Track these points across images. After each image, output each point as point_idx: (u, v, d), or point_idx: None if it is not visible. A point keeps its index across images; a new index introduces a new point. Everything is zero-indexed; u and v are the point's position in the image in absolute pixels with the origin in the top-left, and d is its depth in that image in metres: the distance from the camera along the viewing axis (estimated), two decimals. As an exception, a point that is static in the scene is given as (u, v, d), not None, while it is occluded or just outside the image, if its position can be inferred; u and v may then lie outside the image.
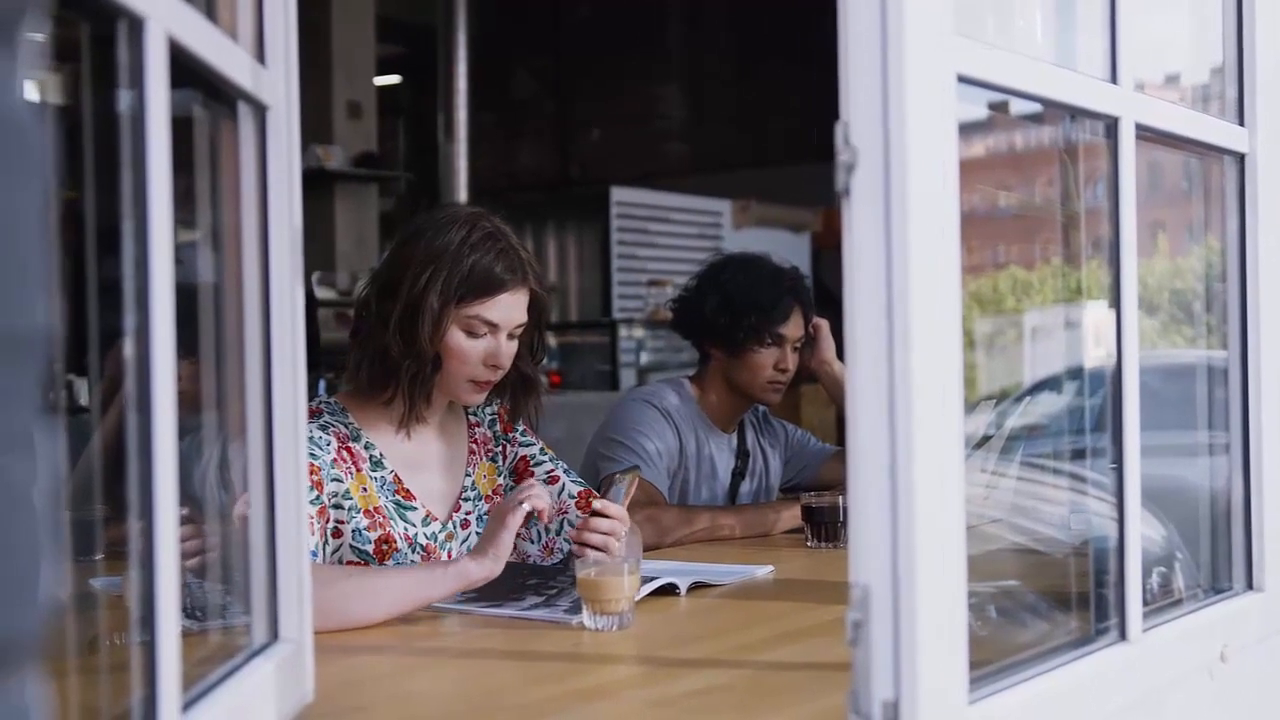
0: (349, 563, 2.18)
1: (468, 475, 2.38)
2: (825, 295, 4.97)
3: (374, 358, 2.23)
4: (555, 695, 1.60)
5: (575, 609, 1.95)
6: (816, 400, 6.27)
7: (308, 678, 1.43)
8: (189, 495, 1.16)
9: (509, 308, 2.23)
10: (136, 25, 0.99)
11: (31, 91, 0.61)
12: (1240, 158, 1.82)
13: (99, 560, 1.73)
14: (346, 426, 2.26)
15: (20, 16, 0.59)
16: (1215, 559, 1.87)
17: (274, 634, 1.38)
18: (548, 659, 1.77)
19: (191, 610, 1.33)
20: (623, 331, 7.47)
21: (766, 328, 3.00)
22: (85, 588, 1.67)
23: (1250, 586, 1.82)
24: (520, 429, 2.45)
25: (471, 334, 2.22)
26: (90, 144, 1.11)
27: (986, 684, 1.29)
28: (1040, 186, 1.98)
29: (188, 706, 1.09)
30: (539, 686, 1.64)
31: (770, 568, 2.41)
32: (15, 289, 0.56)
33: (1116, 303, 1.54)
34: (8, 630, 0.55)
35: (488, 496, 2.39)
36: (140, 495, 1.01)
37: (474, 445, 2.41)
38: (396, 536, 2.22)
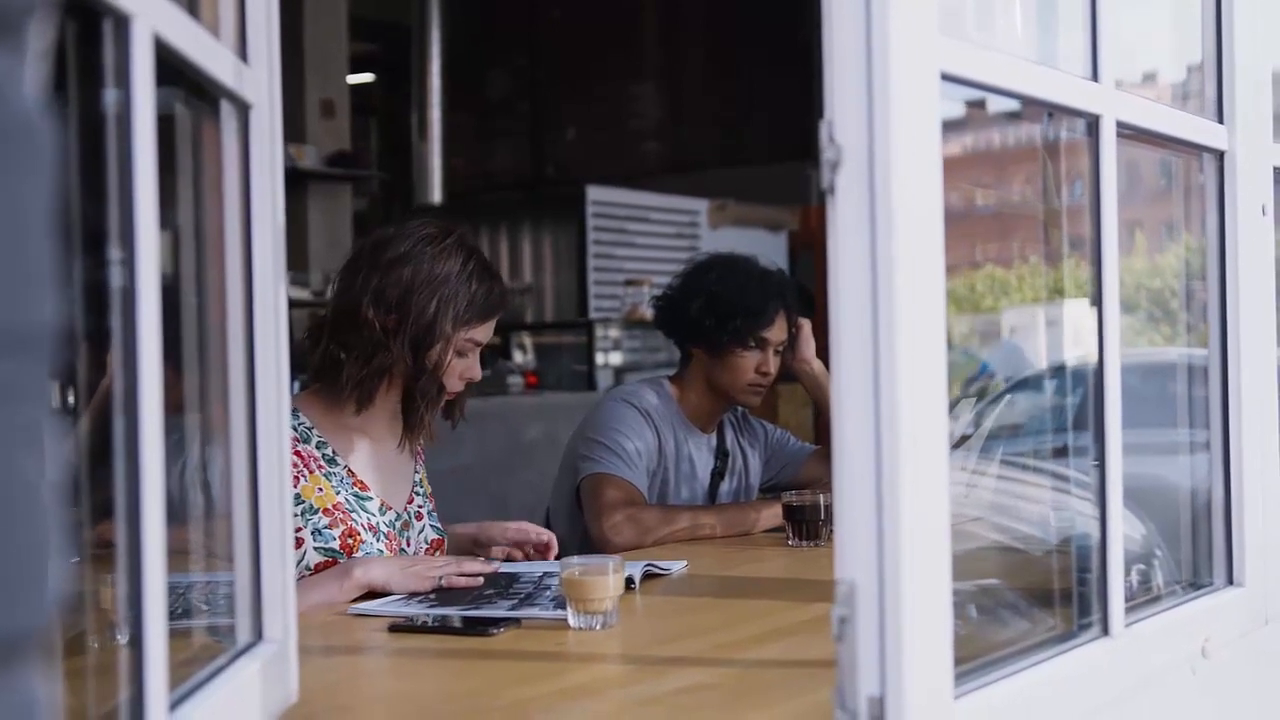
0: (316, 566, 2.19)
1: (416, 472, 2.46)
2: (802, 294, 4.98)
3: (379, 373, 2.26)
4: (541, 694, 1.59)
5: (560, 604, 1.94)
6: (793, 399, 6.28)
7: (292, 678, 1.43)
8: (169, 496, 1.16)
9: (492, 328, 2.35)
10: (123, 23, 0.99)
11: (37, 90, 0.61)
12: (1219, 155, 1.83)
13: (75, 563, 1.72)
14: (295, 429, 2.26)
15: (27, 16, 0.59)
16: (1196, 555, 1.88)
17: (258, 634, 1.38)
18: (532, 658, 1.77)
19: (172, 610, 1.33)
20: (599, 331, 7.44)
21: (751, 331, 2.99)
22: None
23: (1230, 582, 1.83)
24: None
25: (461, 355, 2.31)
26: (73, 142, 1.10)
27: (972, 679, 1.30)
28: (1017, 185, 1.99)
29: (174, 706, 1.08)
30: (524, 686, 1.64)
31: (684, 563, 2.41)
32: (24, 285, 0.56)
33: (1098, 300, 1.54)
34: (18, 625, 0.56)
35: (430, 495, 2.48)
36: (127, 496, 1.01)
37: (418, 446, 2.48)
38: (360, 528, 2.26)
